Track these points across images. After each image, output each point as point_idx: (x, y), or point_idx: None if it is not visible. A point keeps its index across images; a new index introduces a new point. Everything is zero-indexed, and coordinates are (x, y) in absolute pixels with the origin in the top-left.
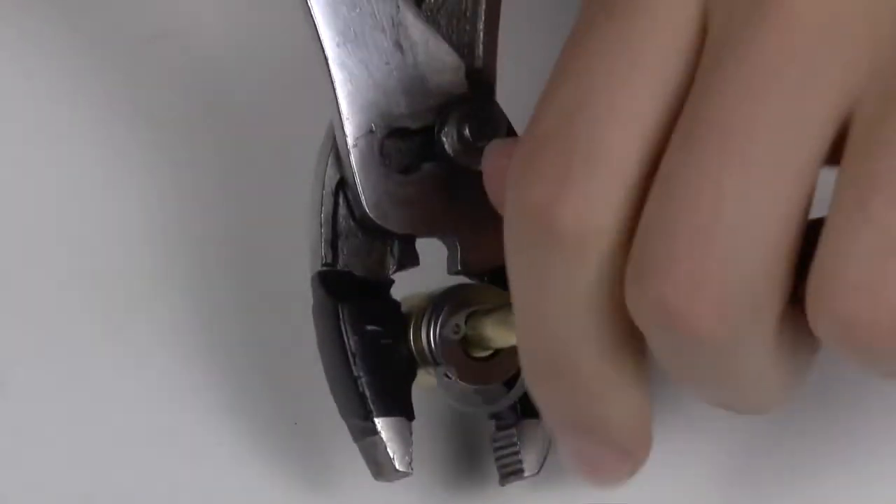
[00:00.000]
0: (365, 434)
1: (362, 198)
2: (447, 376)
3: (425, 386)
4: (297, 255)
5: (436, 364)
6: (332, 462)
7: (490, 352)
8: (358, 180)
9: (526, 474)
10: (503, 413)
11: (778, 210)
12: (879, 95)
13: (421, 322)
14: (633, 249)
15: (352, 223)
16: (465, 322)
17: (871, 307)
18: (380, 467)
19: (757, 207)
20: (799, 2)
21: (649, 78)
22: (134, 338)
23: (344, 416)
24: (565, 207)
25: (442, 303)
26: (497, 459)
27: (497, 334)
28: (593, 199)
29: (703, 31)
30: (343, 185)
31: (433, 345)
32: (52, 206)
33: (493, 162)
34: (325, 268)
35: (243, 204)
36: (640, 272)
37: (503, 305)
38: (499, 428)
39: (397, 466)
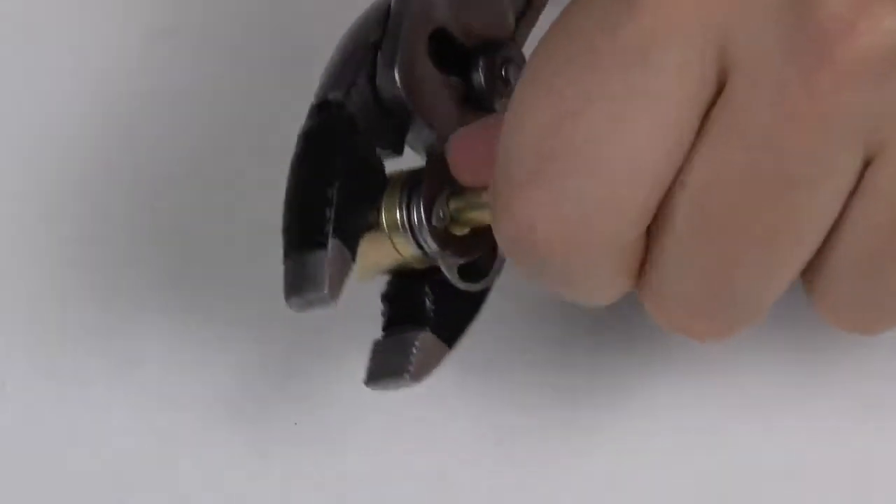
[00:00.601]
0: (310, 246)
1: (397, 56)
2: (451, 265)
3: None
4: None
5: (416, 244)
6: (332, 460)
7: (468, 229)
8: (402, 40)
9: (407, 378)
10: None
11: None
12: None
13: (398, 192)
14: (650, 279)
15: (367, 83)
16: (447, 204)
17: None
18: (307, 283)
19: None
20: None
21: (664, 140)
22: (134, 337)
23: (292, 227)
24: (549, 240)
25: (421, 178)
26: (377, 357)
27: (481, 217)
28: (581, 243)
29: (719, 89)
30: (378, 45)
31: (414, 222)
32: (52, 204)
33: (467, 148)
34: (336, 101)
35: (248, 204)
36: (659, 306)
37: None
38: (389, 334)
39: (327, 289)
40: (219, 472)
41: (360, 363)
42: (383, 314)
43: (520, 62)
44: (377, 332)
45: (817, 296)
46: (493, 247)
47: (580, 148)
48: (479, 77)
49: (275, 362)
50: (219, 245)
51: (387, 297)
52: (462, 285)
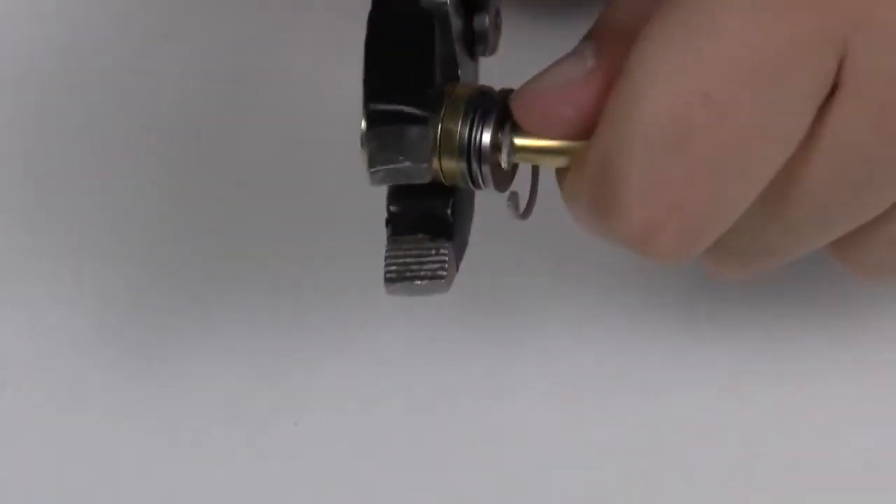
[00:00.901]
0: (410, 120)
1: None
2: (513, 200)
3: None
4: (295, 263)
5: (467, 166)
6: (331, 462)
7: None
8: None
9: (442, 283)
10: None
11: None
12: None
13: (464, 107)
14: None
15: None
16: (510, 138)
17: None
18: (406, 152)
19: None
20: None
21: (782, 142)
22: (135, 338)
23: (397, 97)
24: (669, 242)
25: (488, 101)
26: (398, 261)
27: (540, 160)
28: (697, 241)
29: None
30: None
31: (475, 144)
32: (51, 204)
33: (543, 103)
34: None
35: (243, 213)
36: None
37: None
38: (407, 241)
39: (427, 157)
40: (218, 473)
41: (360, 364)
42: (392, 221)
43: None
44: (378, 332)
45: (852, 262)
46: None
47: (712, 155)
48: (484, 20)
49: (274, 362)
50: (220, 245)
51: (398, 203)
52: (520, 218)
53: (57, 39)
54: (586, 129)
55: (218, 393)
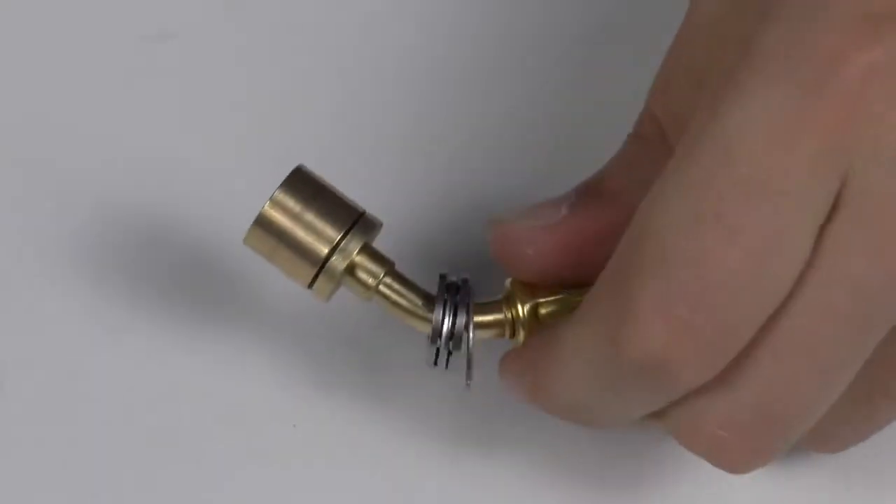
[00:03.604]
0: None
1: None
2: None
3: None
4: None
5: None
6: (331, 463)
7: None
8: None
9: None
10: None
11: None
12: None
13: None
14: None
15: None
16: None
17: None
18: None
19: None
20: None
21: (790, 260)
22: (135, 338)
23: None
24: (683, 363)
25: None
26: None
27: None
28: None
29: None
30: None
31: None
32: (52, 205)
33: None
34: None
35: (242, 210)
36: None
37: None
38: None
39: None
40: (217, 473)
41: (357, 366)
42: None
43: None
44: (371, 335)
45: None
46: None
47: (724, 272)
48: None
49: (274, 364)
50: (223, 249)
51: None
52: (468, 385)
53: None
54: (539, 274)
55: (217, 394)
